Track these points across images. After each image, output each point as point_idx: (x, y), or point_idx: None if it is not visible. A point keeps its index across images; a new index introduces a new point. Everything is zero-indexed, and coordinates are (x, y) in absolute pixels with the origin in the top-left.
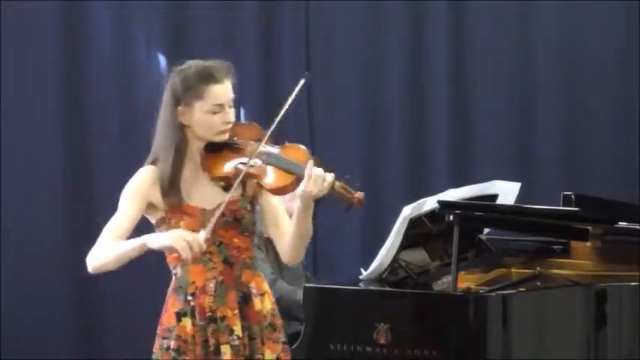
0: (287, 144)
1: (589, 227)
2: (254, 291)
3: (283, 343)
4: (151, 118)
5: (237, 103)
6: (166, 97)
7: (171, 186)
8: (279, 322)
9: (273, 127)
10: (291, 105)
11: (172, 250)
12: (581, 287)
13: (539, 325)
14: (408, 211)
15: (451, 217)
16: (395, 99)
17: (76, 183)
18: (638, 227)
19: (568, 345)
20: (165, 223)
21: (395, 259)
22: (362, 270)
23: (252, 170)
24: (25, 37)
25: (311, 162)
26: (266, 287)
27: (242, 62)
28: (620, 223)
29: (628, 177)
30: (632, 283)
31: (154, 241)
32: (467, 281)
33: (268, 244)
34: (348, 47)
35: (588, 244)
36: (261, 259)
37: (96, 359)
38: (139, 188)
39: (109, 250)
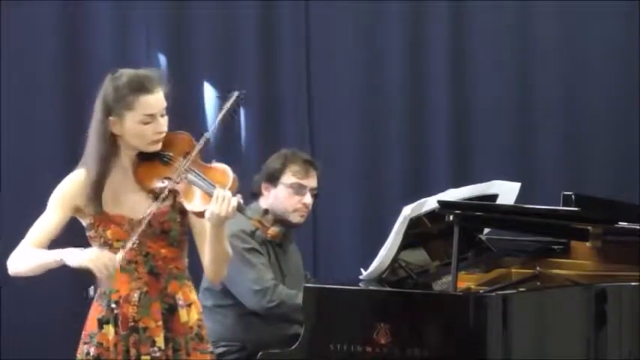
0: (214, 164)
1: (589, 227)
2: (180, 302)
3: (211, 353)
4: None
5: (237, 103)
6: (98, 106)
7: (93, 195)
8: (205, 332)
9: (199, 146)
10: (222, 120)
11: (88, 269)
12: (581, 287)
13: (539, 325)
14: (408, 211)
15: (451, 217)
16: (395, 99)
17: None
18: (638, 227)
19: (568, 345)
20: (93, 229)
21: (395, 259)
22: (362, 270)
23: (176, 187)
24: (25, 38)
25: (220, 185)
26: (194, 297)
27: (242, 62)
28: (620, 223)
29: (628, 177)
30: (632, 283)
31: (71, 258)
32: (467, 281)
33: (270, 248)
34: (348, 47)
35: (588, 244)
36: (263, 264)
37: None
38: (66, 194)
39: (28, 258)
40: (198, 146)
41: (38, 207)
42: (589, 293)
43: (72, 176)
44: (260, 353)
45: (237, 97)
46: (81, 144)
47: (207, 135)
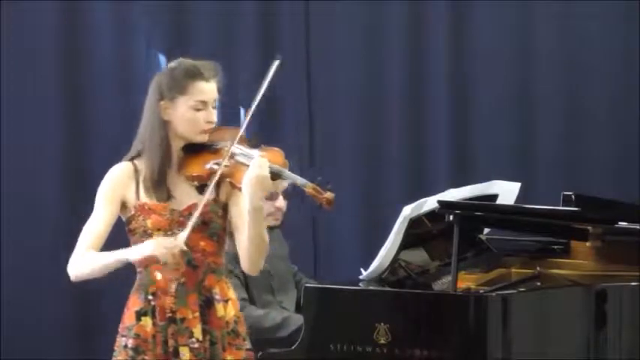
0: (263, 147)
1: (589, 227)
2: (217, 297)
3: (247, 350)
4: None
5: (238, 103)
6: (151, 92)
7: (156, 182)
8: (243, 329)
9: (247, 120)
10: (264, 94)
11: (154, 258)
12: (581, 287)
13: (539, 325)
14: (408, 211)
15: (451, 217)
16: (395, 99)
17: (76, 183)
18: (638, 227)
19: (568, 345)
20: (134, 220)
21: (395, 259)
22: (362, 270)
23: (225, 170)
24: (25, 38)
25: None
26: (231, 294)
27: (242, 62)
28: (620, 223)
29: (628, 177)
30: (632, 283)
31: (133, 253)
32: (467, 281)
33: None
34: (348, 47)
35: (588, 244)
36: (232, 284)
37: (96, 359)
38: (114, 188)
39: (90, 262)
40: (244, 123)
41: (39, 205)
42: (589, 293)
43: (116, 169)
44: (260, 353)
45: (278, 65)
46: (80, 143)
47: (251, 109)
